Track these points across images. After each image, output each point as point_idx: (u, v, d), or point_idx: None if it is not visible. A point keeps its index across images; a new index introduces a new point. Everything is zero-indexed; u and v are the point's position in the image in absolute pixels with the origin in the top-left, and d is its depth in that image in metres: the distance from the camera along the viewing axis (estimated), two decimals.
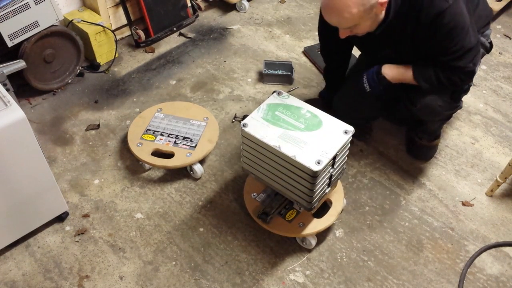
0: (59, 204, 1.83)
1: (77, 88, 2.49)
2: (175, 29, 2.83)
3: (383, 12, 1.62)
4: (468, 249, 1.83)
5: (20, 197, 1.67)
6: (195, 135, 2.07)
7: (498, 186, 1.97)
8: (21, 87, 2.37)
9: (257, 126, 1.62)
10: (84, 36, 2.47)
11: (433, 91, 1.79)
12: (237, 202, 1.97)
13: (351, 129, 1.62)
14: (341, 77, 2.20)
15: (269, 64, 2.56)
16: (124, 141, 2.20)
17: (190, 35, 2.85)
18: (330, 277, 1.75)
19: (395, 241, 1.86)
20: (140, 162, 2.07)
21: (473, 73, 1.72)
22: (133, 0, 2.66)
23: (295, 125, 1.62)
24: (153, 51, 2.73)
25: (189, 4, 2.88)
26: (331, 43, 2.07)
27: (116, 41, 2.61)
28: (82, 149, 2.18)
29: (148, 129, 2.09)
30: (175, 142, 2.04)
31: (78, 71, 2.50)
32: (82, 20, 2.47)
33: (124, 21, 2.69)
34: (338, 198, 1.84)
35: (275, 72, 2.55)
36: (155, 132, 2.08)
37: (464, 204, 1.99)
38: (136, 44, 2.74)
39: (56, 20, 2.25)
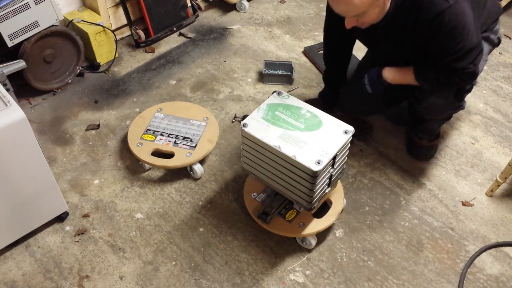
0: (59, 204, 1.83)
1: (77, 88, 2.49)
2: (175, 29, 2.83)
3: (389, 4, 1.61)
4: (468, 249, 1.83)
5: (20, 197, 1.67)
6: (195, 135, 2.07)
7: (498, 186, 1.97)
8: (21, 87, 2.37)
9: (257, 126, 1.62)
10: (84, 36, 2.47)
11: (436, 91, 1.79)
12: (237, 202, 1.97)
13: (351, 129, 1.62)
14: (341, 77, 2.20)
15: (269, 64, 2.56)
16: (124, 141, 2.20)
17: (190, 35, 2.85)
18: (330, 277, 1.74)
19: (395, 241, 1.86)
20: (140, 162, 2.07)
21: (474, 73, 1.69)
22: (133, 0, 2.66)
23: (295, 125, 1.62)
24: (153, 51, 2.73)
25: (189, 4, 2.88)
26: (335, 36, 2.05)
27: (116, 41, 2.61)
28: (82, 149, 2.18)
29: (148, 129, 2.09)
30: (175, 142, 2.04)
31: (78, 71, 2.50)
32: (82, 20, 2.47)
33: (124, 21, 2.69)
34: (338, 198, 1.84)
35: (275, 72, 2.55)
36: (155, 132, 2.08)
37: (464, 204, 1.99)
38: (136, 44, 2.74)
39: (56, 20, 2.25)
